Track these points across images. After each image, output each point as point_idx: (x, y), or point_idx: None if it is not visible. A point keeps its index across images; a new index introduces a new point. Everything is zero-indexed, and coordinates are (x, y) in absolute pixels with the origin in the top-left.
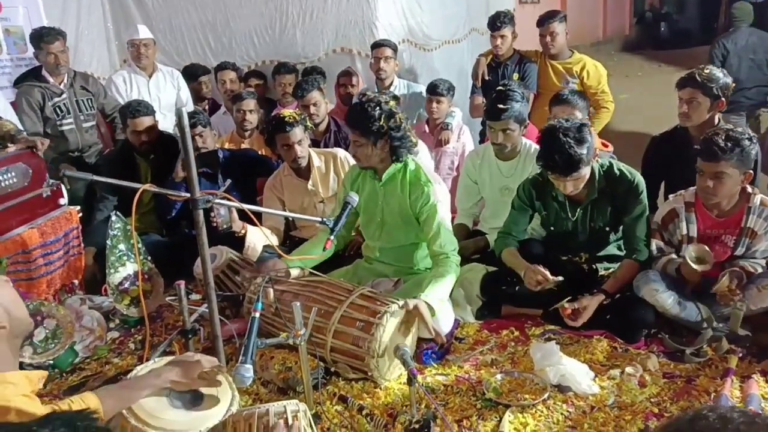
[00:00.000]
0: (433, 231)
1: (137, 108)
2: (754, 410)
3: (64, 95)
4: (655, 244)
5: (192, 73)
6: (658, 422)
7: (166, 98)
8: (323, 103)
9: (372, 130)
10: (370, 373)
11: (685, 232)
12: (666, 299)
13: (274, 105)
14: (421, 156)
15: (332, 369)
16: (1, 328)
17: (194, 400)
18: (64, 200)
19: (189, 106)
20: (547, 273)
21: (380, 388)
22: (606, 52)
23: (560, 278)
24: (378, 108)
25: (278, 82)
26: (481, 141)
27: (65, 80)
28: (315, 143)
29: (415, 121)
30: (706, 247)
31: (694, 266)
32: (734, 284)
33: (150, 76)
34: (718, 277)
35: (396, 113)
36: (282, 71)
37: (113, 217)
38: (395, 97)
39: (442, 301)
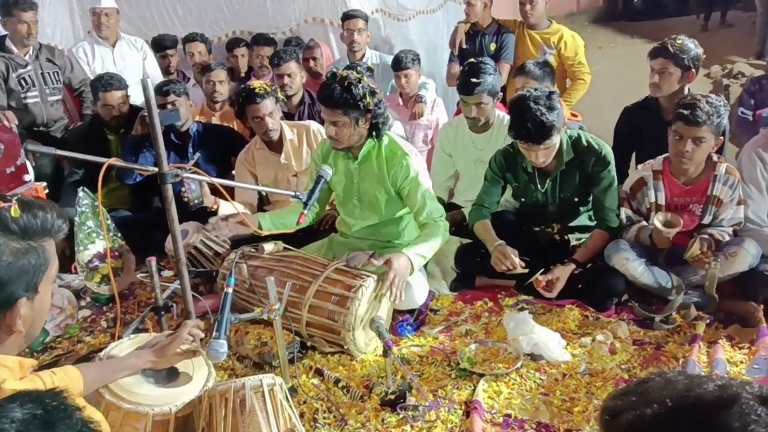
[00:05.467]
0: (419, 203)
1: (109, 81)
2: (719, 374)
3: (29, 67)
4: (624, 212)
5: (161, 45)
6: None
7: (132, 69)
8: (299, 75)
9: (358, 107)
10: (346, 347)
11: (653, 200)
12: (636, 268)
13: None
14: (396, 129)
15: (308, 343)
16: (19, 332)
17: (170, 375)
18: (29, 176)
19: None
20: (516, 260)
21: (356, 361)
22: (580, 23)
23: (525, 270)
24: (361, 86)
25: (255, 53)
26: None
27: (30, 52)
28: (289, 116)
29: (388, 93)
30: (673, 213)
31: (663, 230)
32: (705, 247)
33: (113, 46)
34: (688, 245)
35: (375, 90)
36: (261, 42)
37: (80, 193)
38: (369, 69)
39: (423, 259)
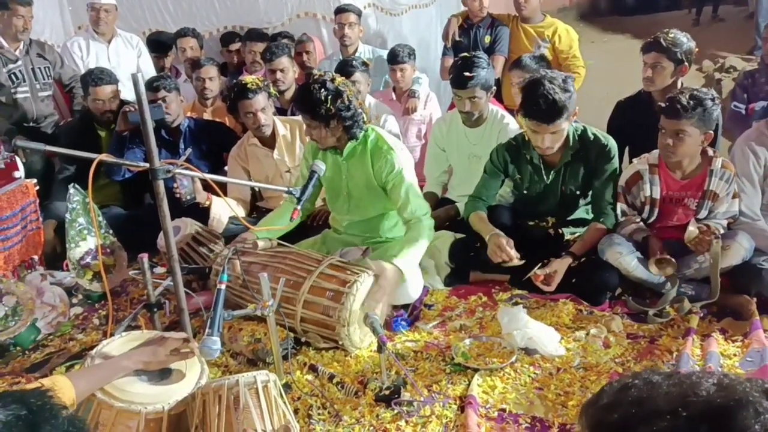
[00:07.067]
0: (402, 199)
1: (100, 76)
2: (712, 367)
3: (19, 62)
4: (620, 207)
5: (163, 46)
6: None
7: (126, 65)
8: (291, 70)
9: (320, 113)
10: (340, 342)
11: (648, 193)
12: (629, 262)
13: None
14: (390, 124)
15: (303, 339)
16: None
17: (163, 373)
18: (19, 173)
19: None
20: (512, 252)
21: (350, 356)
22: (572, 18)
23: (522, 261)
24: (323, 89)
25: (248, 48)
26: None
27: (21, 47)
28: (282, 111)
29: (381, 88)
30: (668, 256)
31: (656, 272)
32: (703, 228)
33: (109, 42)
34: (686, 230)
35: (343, 92)
36: (254, 38)
37: (71, 190)
38: (364, 63)
39: (413, 265)
